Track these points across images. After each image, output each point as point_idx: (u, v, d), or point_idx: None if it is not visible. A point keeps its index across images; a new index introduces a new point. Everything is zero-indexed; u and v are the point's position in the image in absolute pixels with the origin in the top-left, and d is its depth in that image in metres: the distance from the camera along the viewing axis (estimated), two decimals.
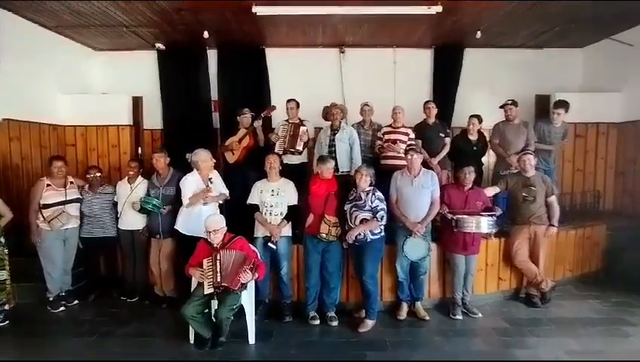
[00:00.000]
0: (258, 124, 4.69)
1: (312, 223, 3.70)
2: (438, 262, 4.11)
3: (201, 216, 3.57)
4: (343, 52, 6.09)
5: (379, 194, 3.59)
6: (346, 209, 3.63)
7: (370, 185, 3.59)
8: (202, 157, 3.87)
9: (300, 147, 4.49)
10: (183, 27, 5.26)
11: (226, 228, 3.32)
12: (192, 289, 3.32)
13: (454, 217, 3.69)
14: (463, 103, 5.96)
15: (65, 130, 5.63)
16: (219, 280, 3.05)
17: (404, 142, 4.46)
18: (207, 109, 6.14)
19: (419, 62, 6.16)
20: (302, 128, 4.51)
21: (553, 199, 4.05)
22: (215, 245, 3.23)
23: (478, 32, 5.23)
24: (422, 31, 5.51)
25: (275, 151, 4.46)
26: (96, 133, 5.71)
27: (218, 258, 3.11)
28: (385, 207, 3.56)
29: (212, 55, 6.13)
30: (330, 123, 4.52)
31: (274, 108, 4.89)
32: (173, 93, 6.15)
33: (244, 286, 3.15)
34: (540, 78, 6.11)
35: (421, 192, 3.75)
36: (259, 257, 3.42)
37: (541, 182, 4.05)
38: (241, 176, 4.56)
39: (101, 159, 5.70)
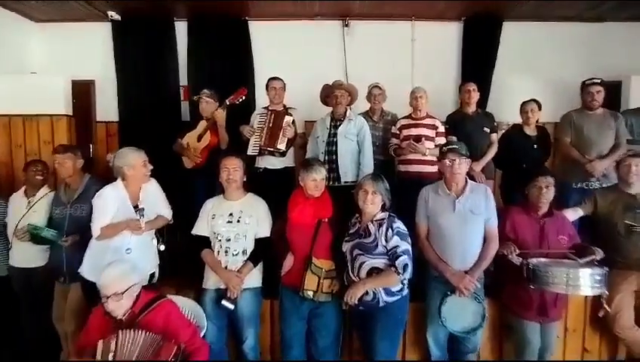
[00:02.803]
0: (220, 114, 3.32)
1: (292, 270, 2.32)
2: (493, 328, 2.72)
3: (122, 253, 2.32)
4: (347, 25, 4.95)
5: (398, 225, 2.20)
6: (345, 249, 2.26)
7: (383, 210, 2.24)
8: (130, 160, 2.55)
9: (282, 145, 3.21)
10: None
11: (139, 286, 1.93)
12: None
13: (529, 265, 2.26)
14: (500, 91, 4.80)
15: None
16: None
17: (430, 138, 3.31)
18: (174, 97, 4.99)
19: (444, 39, 5.00)
20: (286, 118, 3.23)
21: None
22: (118, 318, 1.85)
23: None
24: None
25: (249, 151, 3.30)
26: (24, 125, 4.46)
27: (112, 348, 1.71)
28: (409, 248, 2.17)
29: (181, 28, 4.96)
30: (331, 110, 3.30)
31: (244, 91, 3.48)
32: (132, 75, 4.96)
33: None
34: (600, 59, 4.80)
35: (469, 221, 2.34)
36: (197, 335, 1.99)
37: None
38: (203, 186, 3.31)
39: (30, 158, 4.39)
